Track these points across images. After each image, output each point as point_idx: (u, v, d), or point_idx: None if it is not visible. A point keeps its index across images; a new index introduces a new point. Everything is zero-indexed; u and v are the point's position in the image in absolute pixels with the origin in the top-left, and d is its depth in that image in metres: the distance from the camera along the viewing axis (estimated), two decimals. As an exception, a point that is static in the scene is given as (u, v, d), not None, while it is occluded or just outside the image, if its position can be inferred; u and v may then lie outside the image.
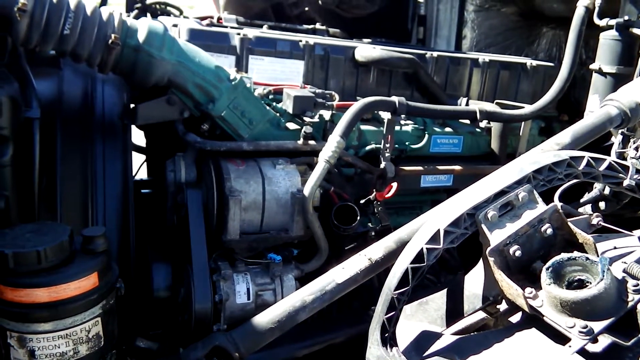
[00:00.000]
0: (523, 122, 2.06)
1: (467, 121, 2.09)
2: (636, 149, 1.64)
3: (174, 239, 1.68)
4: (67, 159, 1.39)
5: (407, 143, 1.97)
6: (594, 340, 0.89)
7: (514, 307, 1.11)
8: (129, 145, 1.54)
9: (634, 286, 0.91)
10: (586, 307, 0.90)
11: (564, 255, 0.99)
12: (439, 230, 1.07)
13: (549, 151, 1.21)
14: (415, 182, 1.99)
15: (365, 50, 2.02)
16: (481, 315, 1.25)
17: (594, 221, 1.13)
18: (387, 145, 1.81)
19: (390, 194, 1.66)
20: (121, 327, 1.24)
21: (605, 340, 0.89)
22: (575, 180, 1.17)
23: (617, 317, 0.89)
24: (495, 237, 1.05)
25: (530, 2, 2.80)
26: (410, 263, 1.06)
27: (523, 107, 2.03)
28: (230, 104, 1.56)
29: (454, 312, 1.22)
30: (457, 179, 2.05)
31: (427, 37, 3.09)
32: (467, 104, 2.14)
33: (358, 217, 1.63)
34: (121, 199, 1.46)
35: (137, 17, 2.24)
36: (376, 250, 1.18)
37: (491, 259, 1.03)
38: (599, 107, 1.83)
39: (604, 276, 0.91)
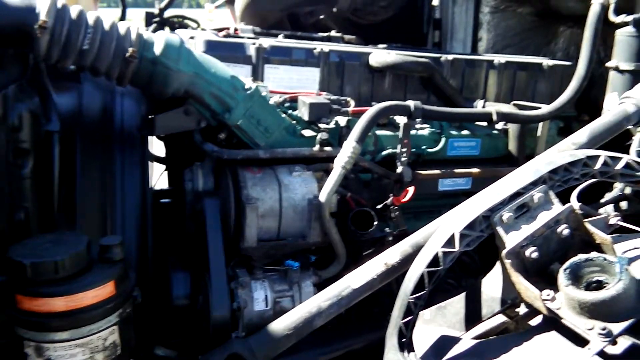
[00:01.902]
0: (541, 123, 2.03)
1: (484, 123, 2.07)
2: (658, 146, 1.60)
3: (193, 247, 1.71)
4: (86, 170, 1.43)
5: (423, 147, 1.96)
6: (614, 342, 0.87)
7: (533, 310, 1.09)
8: (147, 156, 1.57)
9: (655, 287, 0.89)
10: (605, 308, 0.89)
11: (582, 256, 0.97)
12: (454, 233, 1.06)
13: (565, 151, 1.19)
14: (433, 186, 1.98)
15: (380, 56, 2.03)
16: (501, 318, 1.24)
17: (612, 221, 1.11)
18: (404, 150, 1.81)
19: (406, 199, 1.66)
20: (139, 335, 1.27)
21: (625, 342, 0.87)
22: (592, 180, 1.15)
23: (637, 318, 0.88)
24: (511, 239, 1.04)
25: (546, 2, 2.77)
26: (426, 267, 1.06)
27: (540, 108, 2.01)
28: (246, 113, 1.58)
29: (472, 316, 1.21)
30: (476, 182, 2.03)
31: (443, 41, 3.08)
32: (483, 106, 2.13)
33: (375, 222, 1.63)
34: (139, 209, 1.49)
35: (155, 31, 2.31)
36: (392, 255, 1.18)
37: (508, 262, 1.02)
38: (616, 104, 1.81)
39: (622, 277, 0.89)
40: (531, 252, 1.01)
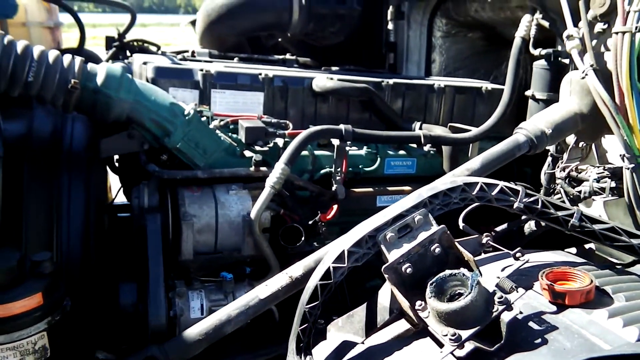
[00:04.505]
0: (470, 145, 2.18)
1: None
2: (563, 169, 1.76)
3: (140, 260, 1.84)
4: (32, 192, 1.56)
5: (360, 166, 2.11)
6: (461, 346, 1.02)
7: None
8: (93, 177, 1.71)
9: (499, 298, 1.04)
10: (457, 317, 1.03)
11: (447, 272, 1.12)
12: (343, 250, 1.21)
13: (450, 178, 1.34)
14: (371, 202, 2.13)
15: (321, 81, 2.19)
16: (406, 325, 1.38)
17: (483, 240, 1.26)
18: (339, 170, 1.96)
19: (330, 216, 1.80)
20: (78, 340, 1.40)
21: (470, 346, 1.01)
22: (475, 204, 1.30)
23: (483, 325, 1.02)
24: (393, 256, 1.18)
25: (493, 28, 2.95)
26: (319, 280, 1.21)
27: (470, 130, 2.16)
28: (184, 137, 1.73)
29: (371, 323, 1.35)
30: (412, 198, 2.18)
31: (399, 63, 3.25)
32: (420, 128, 2.28)
33: (303, 238, 1.77)
34: (84, 227, 1.62)
35: (115, 55, 2.45)
36: (296, 269, 1.32)
37: (386, 276, 1.16)
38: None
39: (471, 290, 1.04)
40: (406, 268, 1.16)
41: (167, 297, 1.66)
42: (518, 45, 2.04)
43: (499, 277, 1.11)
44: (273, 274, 1.80)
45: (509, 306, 1.04)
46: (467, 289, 1.08)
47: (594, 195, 1.67)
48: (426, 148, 2.14)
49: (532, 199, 1.27)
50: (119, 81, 1.61)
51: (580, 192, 1.71)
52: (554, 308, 1.12)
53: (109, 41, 2.40)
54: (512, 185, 1.28)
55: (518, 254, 1.14)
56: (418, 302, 1.13)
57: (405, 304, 1.12)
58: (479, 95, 2.53)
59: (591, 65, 1.42)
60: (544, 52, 1.95)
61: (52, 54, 1.52)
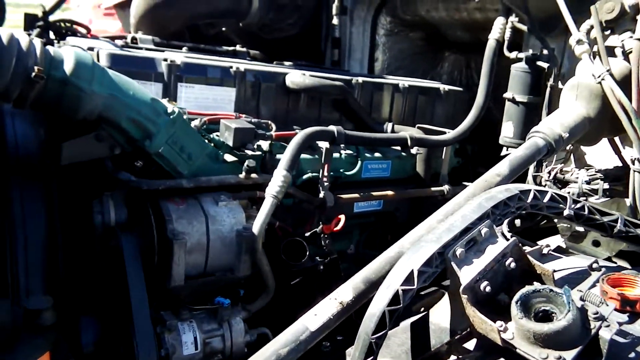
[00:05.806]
0: (445, 147, 2.17)
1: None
2: (549, 172, 1.81)
3: (104, 288, 1.51)
4: None
5: (341, 170, 1.98)
6: (568, 369, 0.95)
7: (468, 334, 1.16)
8: (54, 187, 1.35)
9: (594, 314, 0.99)
10: (557, 338, 0.96)
11: (529, 288, 1.04)
12: (412, 270, 1.08)
13: (500, 186, 1.28)
14: (349, 208, 2.01)
15: (297, 78, 2.01)
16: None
17: (545, 251, 1.21)
18: (325, 175, 1.81)
19: (338, 227, 1.65)
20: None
21: (575, 369, 0.95)
22: (520, 212, 1.25)
23: (584, 344, 0.97)
24: (465, 274, 1.08)
25: (436, 28, 2.99)
26: (387, 306, 1.06)
27: (444, 133, 2.15)
28: (169, 140, 1.44)
29: (420, 346, 1.23)
30: (386, 202, 2.11)
31: (342, 60, 3.16)
32: (392, 129, 2.22)
33: (307, 253, 1.59)
34: (46, 251, 1.26)
35: (39, 37, 2.01)
36: (346, 293, 1.16)
37: (464, 297, 1.05)
38: (512, 133, 2.01)
39: (570, 307, 0.97)
40: (485, 286, 1.06)
41: (155, 332, 1.38)
42: (492, 47, 2.06)
43: (581, 290, 1.06)
44: (268, 295, 1.61)
45: (605, 322, 1.00)
46: (557, 305, 1.02)
47: (584, 196, 1.73)
48: (413, 151, 2.08)
49: (579, 205, 1.25)
50: (92, 70, 1.28)
51: (568, 193, 1.76)
52: (625, 317, 1.11)
53: (31, 20, 1.95)
54: (560, 192, 1.25)
55: (594, 265, 1.11)
56: (498, 323, 1.04)
57: (489, 325, 1.03)
58: (437, 96, 2.54)
59: (607, 70, 1.45)
60: (521, 55, 1.99)
61: (5, 34, 1.15)
